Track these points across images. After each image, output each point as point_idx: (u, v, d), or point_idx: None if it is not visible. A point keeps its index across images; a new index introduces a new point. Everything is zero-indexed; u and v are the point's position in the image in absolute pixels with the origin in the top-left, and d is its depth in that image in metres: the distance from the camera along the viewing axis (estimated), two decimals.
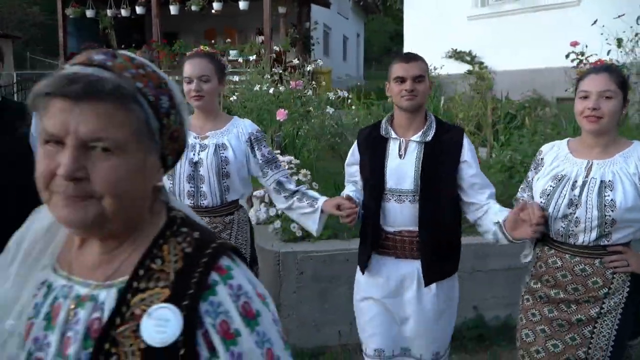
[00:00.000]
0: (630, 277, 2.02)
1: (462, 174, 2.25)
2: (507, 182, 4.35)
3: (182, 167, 2.39)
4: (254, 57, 11.90)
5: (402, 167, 2.25)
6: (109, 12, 12.51)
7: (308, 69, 8.54)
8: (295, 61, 11.53)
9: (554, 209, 2.06)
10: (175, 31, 13.82)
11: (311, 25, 14.65)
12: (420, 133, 2.27)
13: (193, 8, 12.01)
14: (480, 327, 3.59)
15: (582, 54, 5.78)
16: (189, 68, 2.42)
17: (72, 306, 0.87)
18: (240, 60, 11.84)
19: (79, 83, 0.79)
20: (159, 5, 12.31)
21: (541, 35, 7.74)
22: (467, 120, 6.94)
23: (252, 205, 4.05)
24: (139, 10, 12.51)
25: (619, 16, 5.82)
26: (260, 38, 12.73)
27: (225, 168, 2.40)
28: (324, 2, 14.48)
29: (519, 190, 2.36)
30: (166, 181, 2.39)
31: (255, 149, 2.50)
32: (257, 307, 0.85)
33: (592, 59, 2.45)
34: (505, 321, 3.62)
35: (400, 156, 2.27)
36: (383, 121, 2.37)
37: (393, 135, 2.30)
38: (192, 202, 2.41)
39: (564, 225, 2.05)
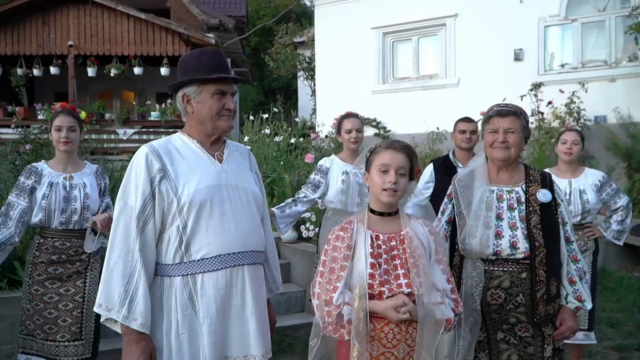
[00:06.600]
0: (595, 240, 3.89)
1: None
2: None
3: None
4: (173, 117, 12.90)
5: None
6: (19, 71, 12.68)
7: None
8: None
9: None
10: (66, 91, 13.18)
11: None
12: None
13: (113, 72, 12.76)
14: None
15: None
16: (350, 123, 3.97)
17: (507, 194, 2.43)
18: (162, 121, 12.78)
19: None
20: (75, 66, 12.83)
21: (429, 107, 10.19)
22: None
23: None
24: (53, 70, 12.87)
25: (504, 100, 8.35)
26: (169, 101, 13.67)
27: None
28: (247, 80, 16.09)
29: None
30: None
31: None
32: None
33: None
34: None
35: None
36: None
37: None
38: None
39: None
